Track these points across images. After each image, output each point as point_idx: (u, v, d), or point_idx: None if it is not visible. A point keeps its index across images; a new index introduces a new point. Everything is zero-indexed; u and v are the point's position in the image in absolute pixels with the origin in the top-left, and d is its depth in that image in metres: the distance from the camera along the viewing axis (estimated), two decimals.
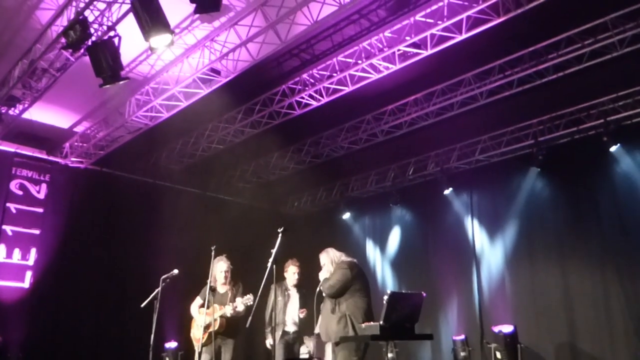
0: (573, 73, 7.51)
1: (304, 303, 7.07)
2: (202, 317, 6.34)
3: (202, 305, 6.47)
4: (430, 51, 6.96)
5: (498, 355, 8.22)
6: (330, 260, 5.40)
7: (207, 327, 6.26)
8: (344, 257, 5.43)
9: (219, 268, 6.42)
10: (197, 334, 6.41)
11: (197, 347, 6.40)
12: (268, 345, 7.00)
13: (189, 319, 6.66)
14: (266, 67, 8.17)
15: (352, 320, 5.01)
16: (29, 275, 9.06)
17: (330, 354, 5.48)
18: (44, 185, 9.56)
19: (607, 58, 7.15)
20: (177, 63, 7.54)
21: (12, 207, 9.16)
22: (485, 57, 7.82)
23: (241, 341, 6.57)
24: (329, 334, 5.16)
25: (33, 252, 9.17)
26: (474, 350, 9.16)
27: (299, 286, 7.18)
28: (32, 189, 9.44)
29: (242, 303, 6.18)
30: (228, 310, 6.19)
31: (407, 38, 6.93)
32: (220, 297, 6.36)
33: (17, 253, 9.02)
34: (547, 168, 9.14)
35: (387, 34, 7.11)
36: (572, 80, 7.69)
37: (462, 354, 8.95)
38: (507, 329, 8.32)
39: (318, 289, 5.31)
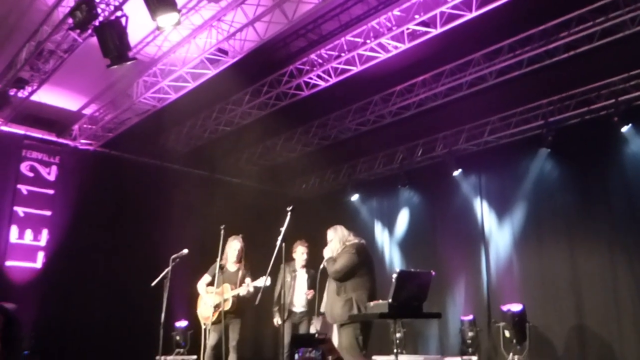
0: (584, 52, 7.40)
1: (311, 284, 7.10)
2: (211, 296, 6.39)
3: (210, 283, 6.53)
4: (439, 30, 6.89)
5: (506, 333, 8.23)
6: (338, 239, 5.29)
7: (217, 305, 6.32)
8: (352, 238, 5.36)
9: (233, 246, 6.45)
10: (204, 312, 6.48)
11: (203, 325, 6.48)
12: (275, 324, 7.08)
13: (197, 295, 6.68)
14: (273, 48, 8.15)
15: (358, 304, 4.97)
16: (41, 255, 9.17)
17: (336, 334, 5.48)
18: (54, 167, 9.62)
19: (618, 37, 7.03)
20: (184, 44, 7.51)
21: (23, 188, 9.23)
22: (494, 36, 7.73)
23: (247, 321, 6.63)
24: (334, 316, 5.11)
25: (44, 233, 9.27)
26: (482, 330, 9.21)
27: (307, 267, 7.22)
28: (43, 171, 9.50)
29: (253, 285, 6.23)
30: (243, 290, 6.24)
31: (416, 16, 6.86)
32: (229, 276, 6.39)
33: (29, 234, 9.11)
34: (557, 149, 9.06)
35: (396, 12, 7.04)
36: (582, 59, 7.58)
37: (470, 333, 8.98)
38: (516, 307, 8.34)
39: (322, 266, 5.28)
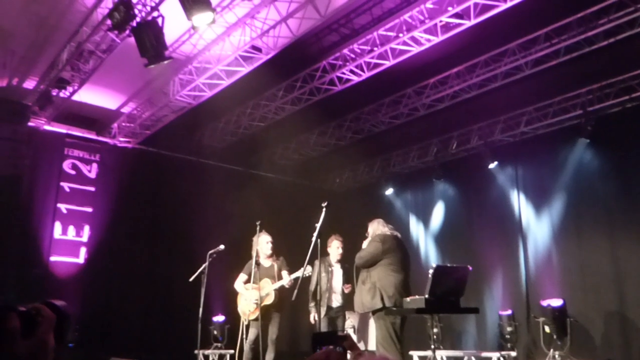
0: (625, 39, 7.16)
1: (347, 279, 7.12)
2: (252, 292, 6.48)
3: (247, 281, 6.63)
4: (473, 21, 6.78)
5: (547, 329, 8.07)
6: (372, 232, 5.49)
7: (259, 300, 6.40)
8: (384, 230, 5.47)
9: (264, 239, 6.54)
10: (245, 308, 6.58)
11: (245, 321, 6.59)
12: (312, 320, 7.11)
13: (235, 293, 6.83)
14: (306, 44, 8.18)
15: (381, 292, 5.06)
16: (83, 251, 9.47)
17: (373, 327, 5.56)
18: (94, 165, 9.90)
19: None
20: (218, 42, 7.61)
21: (65, 186, 9.54)
22: (530, 25, 7.56)
23: (286, 316, 6.72)
24: (359, 304, 5.27)
25: (86, 229, 9.57)
26: (521, 325, 9.07)
27: (342, 261, 7.24)
28: (84, 168, 9.79)
29: (295, 275, 6.30)
30: (285, 282, 6.33)
31: (449, 8, 6.77)
32: (266, 271, 6.49)
33: (71, 230, 9.42)
34: (597, 139, 8.80)
35: (429, 5, 6.95)
36: (623, 46, 7.36)
37: (509, 328, 8.85)
38: (556, 302, 8.18)
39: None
